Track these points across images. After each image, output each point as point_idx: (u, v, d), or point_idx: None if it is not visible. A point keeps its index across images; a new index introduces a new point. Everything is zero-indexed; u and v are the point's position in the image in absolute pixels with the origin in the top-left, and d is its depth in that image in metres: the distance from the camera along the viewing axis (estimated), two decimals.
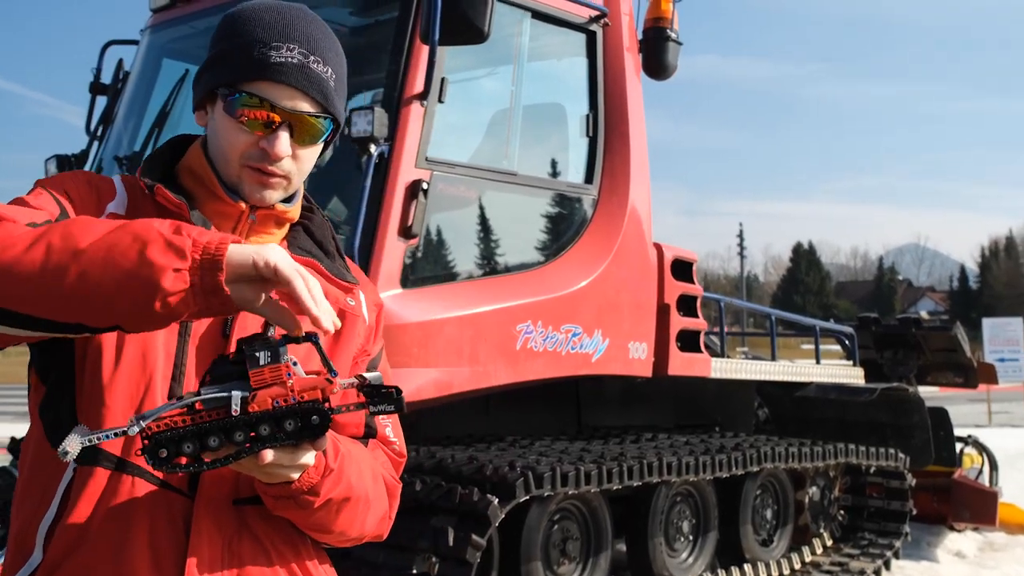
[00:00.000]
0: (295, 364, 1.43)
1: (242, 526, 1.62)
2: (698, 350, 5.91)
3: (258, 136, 1.63)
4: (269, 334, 1.44)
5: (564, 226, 5.39)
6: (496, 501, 4.34)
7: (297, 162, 1.67)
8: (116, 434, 1.37)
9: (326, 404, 1.42)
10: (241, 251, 1.40)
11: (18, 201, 1.59)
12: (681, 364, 5.75)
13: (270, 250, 1.40)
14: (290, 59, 1.62)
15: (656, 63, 5.70)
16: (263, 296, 1.42)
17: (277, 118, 1.62)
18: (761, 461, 5.91)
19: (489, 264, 5.11)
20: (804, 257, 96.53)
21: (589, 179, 5.44)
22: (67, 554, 1.55)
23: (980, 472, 8.91)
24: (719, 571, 5.90)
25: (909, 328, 8.93)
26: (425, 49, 4.60)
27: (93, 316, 1.40)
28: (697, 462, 5.45)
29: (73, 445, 1.35)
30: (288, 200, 1.74)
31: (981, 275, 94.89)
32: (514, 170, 5.16)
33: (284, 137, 1.63)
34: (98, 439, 1.37)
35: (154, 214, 1.62)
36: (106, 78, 6.11)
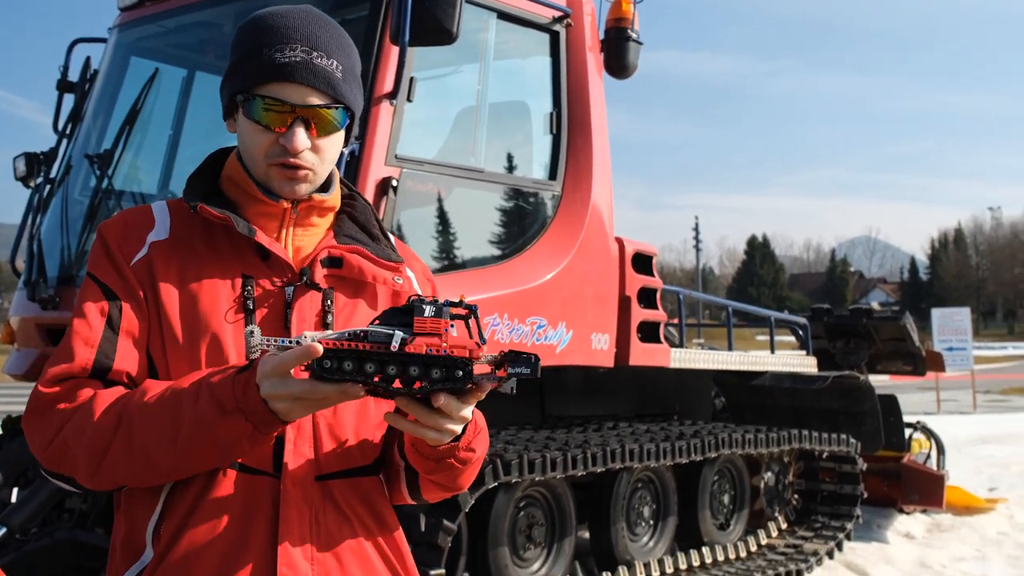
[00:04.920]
0: (453, 327, 1.59)
1: (326, 499, 1.77)
2: (658, 341, 6.06)
3: (278, 134, 1.77)
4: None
5: (529, 221, 5.51)
6: (465, 488, 4.46)
7: (319, 153, 1.81)
8: (291, 342, 1.54)
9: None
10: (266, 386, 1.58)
11: (78, 315, 1.75)
12: (642, 355, 5.90)
13: (271, 383, 1.56)
14: (294, 58, 1.75)
15: (617, 62, 5.84)
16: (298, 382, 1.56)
17: (291, 115, 1.76)
18: (718, 447, 6.09)
19: (457, 259, 5.24)
20: (759, 250, 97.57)
21: (553, 175, 5.57)
22: (169, 547, 1.70)
23: (928, 457, 9.17)
24: (678, 554, 6.09)
25: (860, 318, 9.11)
26: (395, 49, 4.69)
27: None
28: (657, 449, 5.63)
29: (256, 337, 1.54)
30: (324, 190, 1.88)
31: (931, 266, 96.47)
32: (481, 167, 5.28)
33: (300, 131, 1.76)
34: (277, 343, 1.54)
35: (201, 230, 1.82)
36: (73, 76, 6.13)
